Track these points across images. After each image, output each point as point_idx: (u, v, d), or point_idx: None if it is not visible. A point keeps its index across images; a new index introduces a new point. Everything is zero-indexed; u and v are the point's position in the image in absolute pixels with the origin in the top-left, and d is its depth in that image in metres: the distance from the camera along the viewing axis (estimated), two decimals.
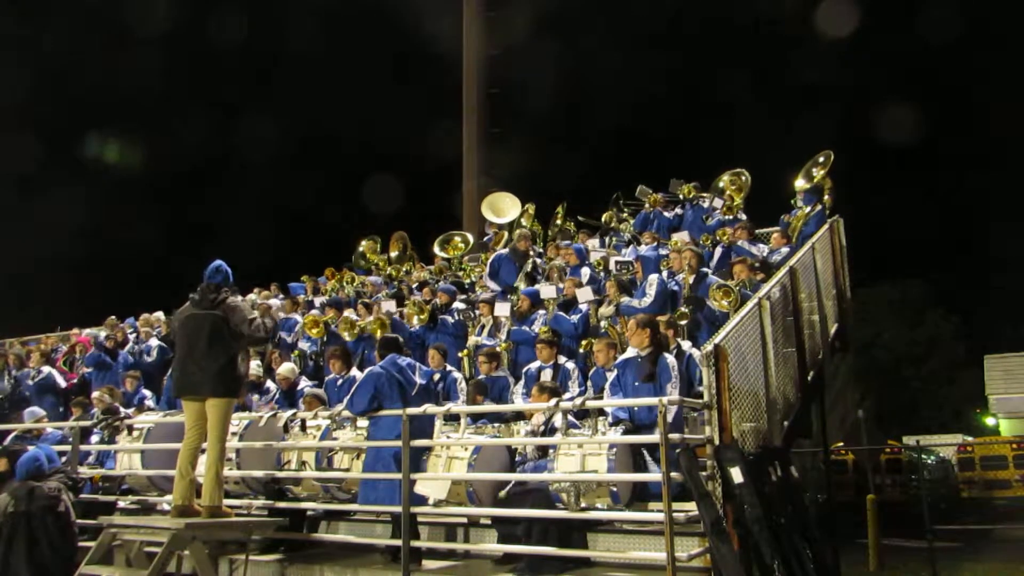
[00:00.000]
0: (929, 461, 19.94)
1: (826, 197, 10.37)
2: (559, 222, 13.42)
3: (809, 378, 7.75)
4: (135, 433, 7.73)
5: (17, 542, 5.81)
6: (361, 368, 8.52)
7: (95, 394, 9.18)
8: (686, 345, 6.92)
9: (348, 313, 10.46)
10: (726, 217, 10.72)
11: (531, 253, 10.93)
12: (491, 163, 19.30)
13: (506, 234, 13.45)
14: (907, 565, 11.49)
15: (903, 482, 19.08)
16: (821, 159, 10.75)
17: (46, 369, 11.42)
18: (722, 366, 5.20)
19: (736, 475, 4.95)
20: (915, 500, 15.05)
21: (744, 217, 10.75)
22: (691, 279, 8.39)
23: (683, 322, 7.64)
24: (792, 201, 10.83)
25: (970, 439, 24.18)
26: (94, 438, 8.20)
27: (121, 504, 7.84)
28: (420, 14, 22.82)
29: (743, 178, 11.51)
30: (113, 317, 13.18)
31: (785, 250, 9.45)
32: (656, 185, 12.30)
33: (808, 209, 10.29)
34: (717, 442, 5.10)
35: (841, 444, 17.66)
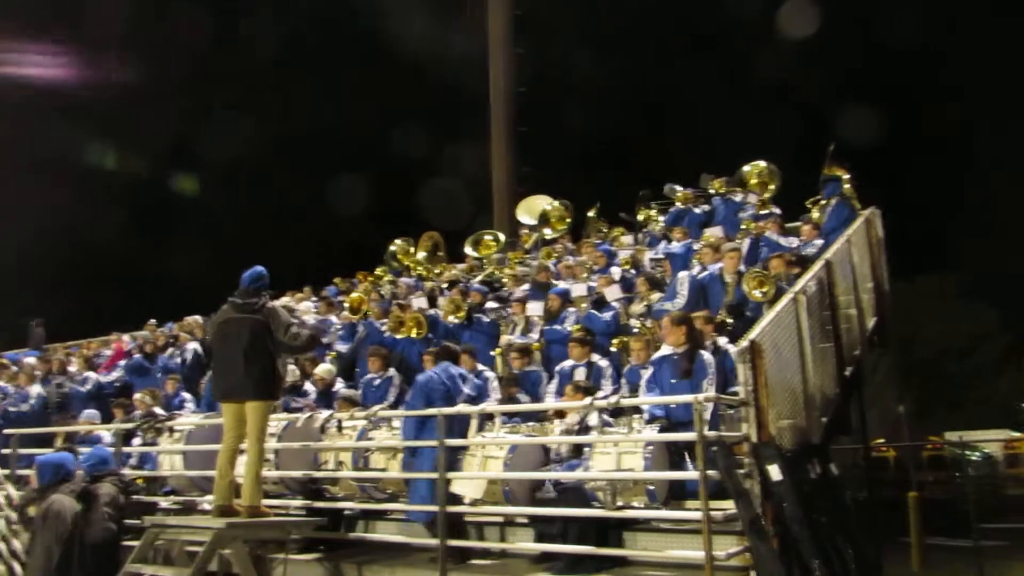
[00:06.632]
0: (974, 458, 19.44)
1: (845, 186, 10.10)
2: (594, 221, 13.41)
3: (847, 373, 7.62)
4: (176, 435, 7.90)
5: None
6: (398, 368, 8.58)
7: (136, 396, 9.40)
8: (722, 341, 6.85)
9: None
10: (761, 212, 10.59)
11: None
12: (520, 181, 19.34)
13: (535, 235, 13.47)
14: (952, 565, 11.23)
15: (947, 479, 18.63)
16: (830, 148, 10.49)
17: (90, 375, 11.72)
18: (758, 362, 5.15)
19: (774, 473, 4.90)
20: (959, 498, 14.68)
21: (778, 211, 10.61)
22: (732, 282, 8.20)
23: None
24: (810, 203, 10.68)
25: (1016, 435, 23.53)
26: (135, 440, 8.38)
27: (163, 504, 8.00)
28: (447, 51, 22.91)
29: (772, 170, 11.35)
30: (153, 321, 13.43)
31: (819, 242, 9.27)
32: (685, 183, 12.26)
33: (824, 202, 10.11)
34: (755, 439, 5.05)
35: (882, 440, 17.33)
